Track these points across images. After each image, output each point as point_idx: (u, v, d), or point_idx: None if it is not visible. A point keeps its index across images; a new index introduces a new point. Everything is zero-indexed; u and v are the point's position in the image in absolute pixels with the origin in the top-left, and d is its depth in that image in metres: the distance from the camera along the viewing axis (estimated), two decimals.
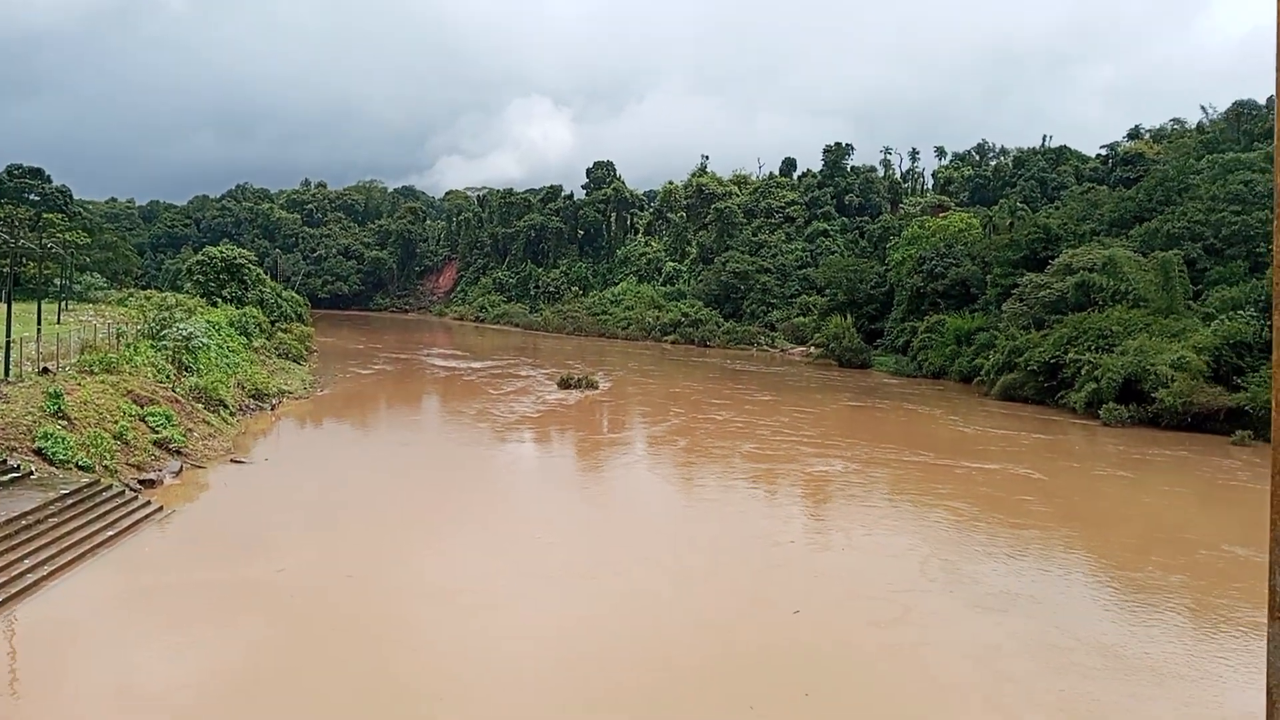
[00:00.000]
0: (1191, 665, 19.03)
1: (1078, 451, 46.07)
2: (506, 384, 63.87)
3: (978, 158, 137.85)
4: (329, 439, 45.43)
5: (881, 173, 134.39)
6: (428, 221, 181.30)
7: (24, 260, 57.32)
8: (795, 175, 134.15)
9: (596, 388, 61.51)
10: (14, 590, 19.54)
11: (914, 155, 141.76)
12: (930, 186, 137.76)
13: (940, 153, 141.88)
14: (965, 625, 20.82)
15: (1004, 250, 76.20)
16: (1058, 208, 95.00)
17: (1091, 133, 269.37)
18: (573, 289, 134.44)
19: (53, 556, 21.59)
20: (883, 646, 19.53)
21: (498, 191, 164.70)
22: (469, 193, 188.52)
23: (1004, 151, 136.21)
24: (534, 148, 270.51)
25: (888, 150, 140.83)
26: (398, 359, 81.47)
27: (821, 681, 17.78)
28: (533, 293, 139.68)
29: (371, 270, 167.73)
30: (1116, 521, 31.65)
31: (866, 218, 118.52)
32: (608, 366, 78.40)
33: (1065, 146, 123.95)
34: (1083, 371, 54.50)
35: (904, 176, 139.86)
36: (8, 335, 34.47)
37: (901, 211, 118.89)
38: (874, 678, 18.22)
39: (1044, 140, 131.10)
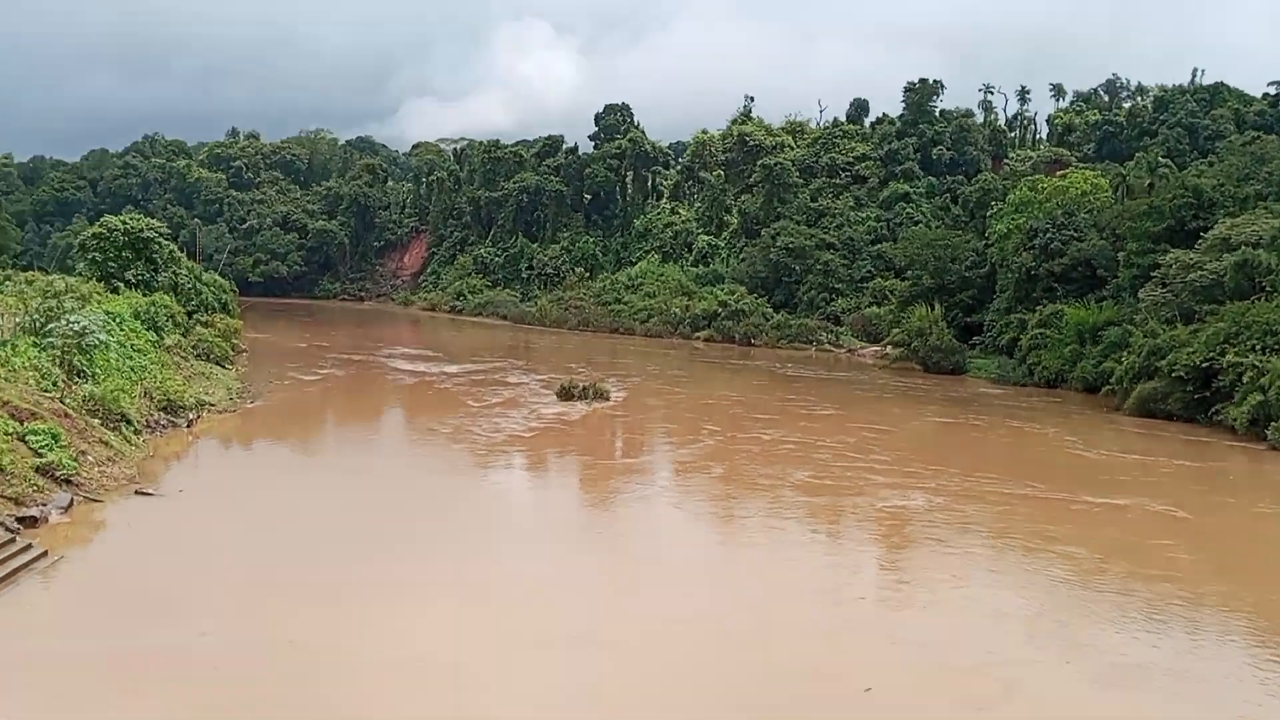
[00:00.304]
0: None
1: (1237, 484, 45.56)
2: (491, 394, 64.08)
3: (1106, 98, 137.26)
4: (262, 465, 45.65)
5: (981, 118, 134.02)
6: (390, 183, 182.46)
7: None
8: (867, 122, 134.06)
9: (607, 399, 61.60)
10: None
11: (1023, 95, 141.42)
12: (1044, 136, 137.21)
13: (1058, 92, 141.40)
14: (1084, 708, 20.56)
15: (1141, 220, 75.41)
16: (1212, 164, 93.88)
17: (1258, 65, 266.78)
18: (577, 270, 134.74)
19: None
20: None
21: (480, 144, 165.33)
22: (443, 146, 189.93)
23: (1141, 90, 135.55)
24: (528, 87, 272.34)
25: (989, 89, 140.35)
26: (351, 361, 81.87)
27: None
28: (525, 275, 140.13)
29: (317, 246, 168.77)
30: None
31: (960, 177, 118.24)
32: (622, 371, 78.50)
33: (1222, 83, 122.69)
34: (1245, 379, 53.60)
35: (1010, 123, 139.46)
36: None
37: (1007, 169, 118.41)
38: None
39: (1194, 75, 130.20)
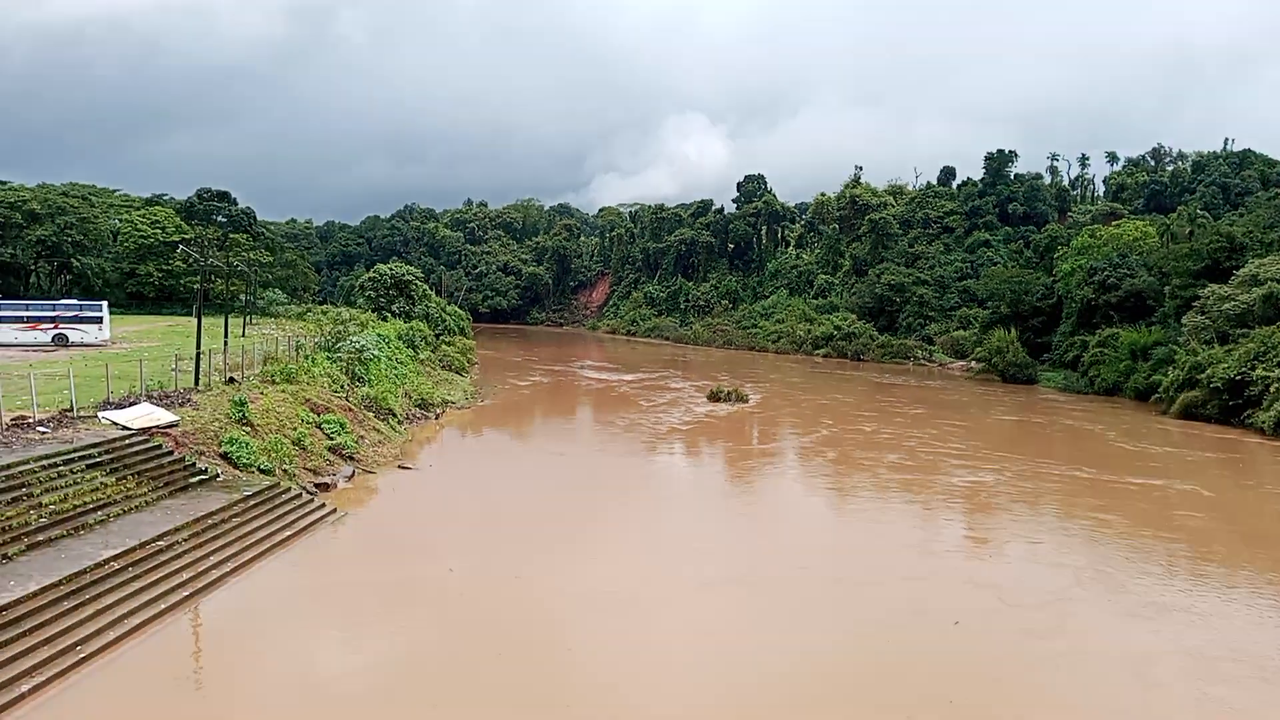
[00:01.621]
0: None
1: (1259, 471, 42.96)
2: (657, 396, 64.45)
3: (1153, 163, 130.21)
4: (489, 447, 47.01)
5: (1048, 180, 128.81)
6: (582, 238, 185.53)
7: (213, 277, 61.91)
8: (954, 184, 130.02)
9: (746, 401, 61.26)
10: (200, 585, 21.09)
11: (1083, 161, 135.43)
12: (1101, 194, 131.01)
13: (1112, 158, 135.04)
14: (1122, 634, 20.90)
15: (1183, 260, 71.94)
16: (1242, 215, 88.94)
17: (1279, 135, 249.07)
18: (722, 302, 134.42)
19: (236, 554, 23.20)
20: (1038, 657, 19.50)
21: (649, 207, 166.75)
22: (622, 209, 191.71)
23: (1181, 156, 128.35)
24: (688, 163, 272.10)
25: (1055, 156, 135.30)
26: (552, 371, 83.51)
27: (972, 690, 17.78)
28: (683, 306, 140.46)
29: (528, 285, 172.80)
30: None
31: (1031, 227, 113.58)
32: (757, 380, 77.92)
33: (1250, 150, 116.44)
34: (1272, 389, 51.17)
35: (1072, 184, 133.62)
36: (198, 347, 37.39)
37: (1070, 220, 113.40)
38: (1024, 687, 18.20)
39: (1226, 144, 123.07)
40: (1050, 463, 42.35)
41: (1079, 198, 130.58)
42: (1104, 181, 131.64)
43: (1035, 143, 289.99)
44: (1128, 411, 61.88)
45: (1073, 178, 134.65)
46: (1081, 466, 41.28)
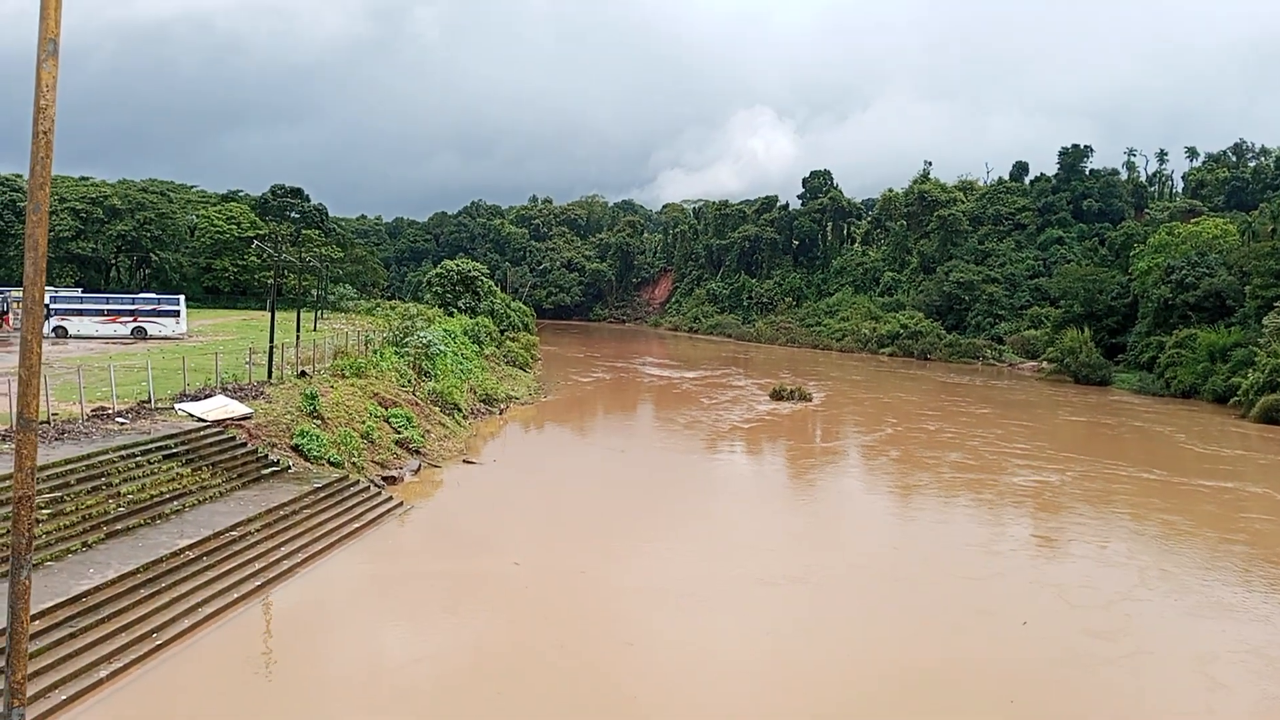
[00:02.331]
0: None
1: None
2: (719, 394, 64.12)
3: (1234, 159, 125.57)
4: (552, 443, 47.24)
5: (1124, 176, 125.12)
6: (645, 234, 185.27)
7: (286, 273, 63.22)
8: (1027, 180, 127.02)
9: (810, 400, 60.60)
10: (272, 575, 21.48)
11: (1162, 157, 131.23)
12: (1180, 190, 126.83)
13: (1191, 154, 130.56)
14: (1185, 632, 21.04)
15: (1265, 259, 69.36)
16: None
17: None
18: (786, 300, 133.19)
19: (306, 545, 23.59)
20: (1103, 658, 19.17)
21: (713, 203, 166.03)
22: (685, 205, 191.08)
23: (1264, 151, 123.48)
24: (754, 160, 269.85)
25: (1132, 152, 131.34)
26: (615, 367, 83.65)
27: (1033, 691, 17.62)
28: (745, 304, 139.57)
29: (591, 282, 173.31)
30: None
31: (1107, 224, 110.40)
32: (821, 378, 77.11)
33: None
34: None
35: (1150, 180, 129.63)
36: (271, 341, 38.16)
37: (1147, 217, 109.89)
38: (1088, 687, 17.83)
39: None
40: (1118, 464, 41.65)
41: (1156, 194, 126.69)
42: (1183, 178, 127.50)
43: (1112, 138, 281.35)
44: (1204, 414, 59.94)
45: (1150, 174, 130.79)
46: (1151, 469, 40.65)
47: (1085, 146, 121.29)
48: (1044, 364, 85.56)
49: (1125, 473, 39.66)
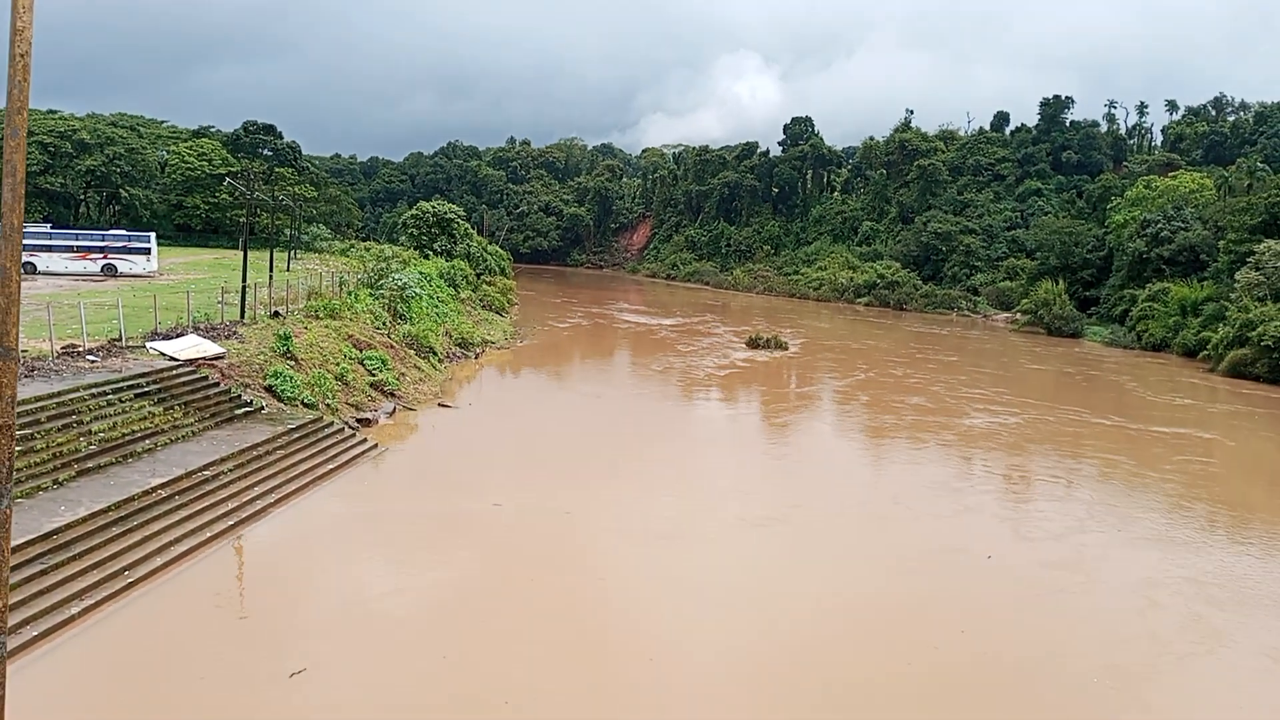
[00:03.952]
0: None
1: None
2: (696, 341, 64.34)
3: (1214, 113, 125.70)
4: (528, 387, 47.36)
5: (1104, 128, 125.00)
6: (624, 179, 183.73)
7: (258, 211, 62.41)
8: (1007, 130, 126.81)
9: (785, 348, 60.97)
10: (245, 514, 21.57)
11: (1142, 109, 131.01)
12: (1159, 144, 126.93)
13: (1172, 107, 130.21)
14: (1132, 560, 22.63)
15: (1240, 214, 69.98)
16: None
17: None
18: (764, 248, 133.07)
19: (280, 485, 23.66)
20: (1054, 586, 20.68)
21: (693, 149, 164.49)
22: (665, 150, 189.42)
23: (1244, 106, 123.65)
24: (739, 105, 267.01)
25: (1112, 104, 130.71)
26: (591, 313, 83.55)
27: (986, 621, 18.39)
28: (724, 251, 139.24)
29: (569, 227, 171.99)
30: None
31: (1085, 177, 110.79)
32: (797, 327, 77.46)
33: None
34: None
35: (1129, 132, 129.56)
36: (244, 280, 37.82)
37: (1125, 170, 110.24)
38: (1038, 613, 19.05)
39: None
40: (1076, 410, 43.16)
41: (1136, 147, 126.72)
42: (1162, 131, 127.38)
43: (1095, 90, 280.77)
44: (1172, 367, 61.02)
45: (1130, 126, 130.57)
46: (1105, 414, 42.37)
47: (1066, 98, 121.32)
48: (1017, 315, 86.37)
49: (1083, 418, 41.19)
